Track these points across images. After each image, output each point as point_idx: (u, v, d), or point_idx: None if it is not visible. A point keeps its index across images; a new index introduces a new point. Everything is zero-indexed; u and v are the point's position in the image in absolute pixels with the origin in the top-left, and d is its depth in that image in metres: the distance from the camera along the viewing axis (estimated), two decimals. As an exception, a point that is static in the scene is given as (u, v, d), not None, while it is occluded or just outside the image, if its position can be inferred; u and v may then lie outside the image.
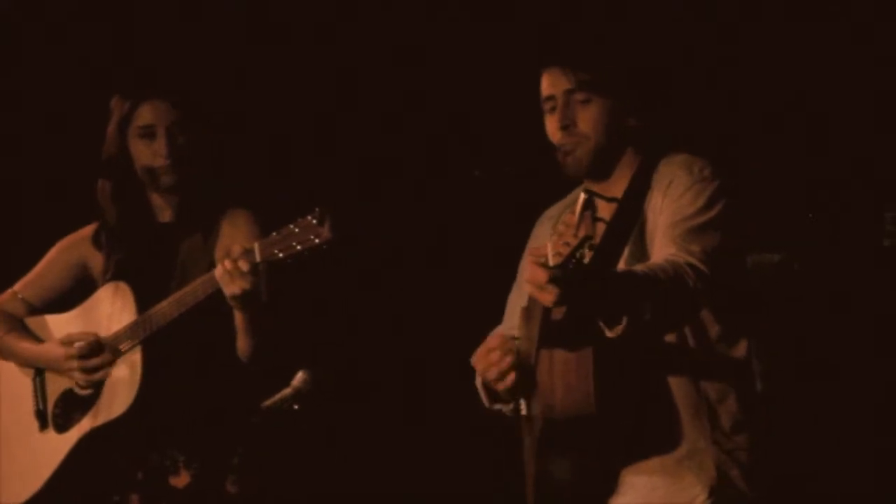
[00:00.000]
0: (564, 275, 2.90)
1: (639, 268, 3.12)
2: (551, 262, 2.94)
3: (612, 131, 3.38)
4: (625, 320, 3.01)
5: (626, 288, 3.01)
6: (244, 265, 3.64)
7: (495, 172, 3.61)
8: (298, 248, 3.58)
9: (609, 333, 3.05)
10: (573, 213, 2.97)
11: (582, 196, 2.97)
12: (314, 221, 3.56)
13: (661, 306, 3.04)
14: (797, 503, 3.49)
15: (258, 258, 3.64)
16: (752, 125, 4.51)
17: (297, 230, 3.58)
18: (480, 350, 3.41)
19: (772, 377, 3.41)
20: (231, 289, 3.66)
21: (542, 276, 2.92)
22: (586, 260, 2.96)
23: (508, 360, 3.30)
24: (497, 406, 3.49)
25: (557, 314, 3.16)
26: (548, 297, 2.95)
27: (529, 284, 2.98)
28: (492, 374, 3.33)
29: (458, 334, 3.81)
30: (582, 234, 2.91)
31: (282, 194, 4.51)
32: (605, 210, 3.35)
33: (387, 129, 4.95)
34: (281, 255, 3.60)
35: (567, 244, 2.91)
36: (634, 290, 3.02)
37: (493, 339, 3.42)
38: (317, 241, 3.56)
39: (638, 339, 3.10)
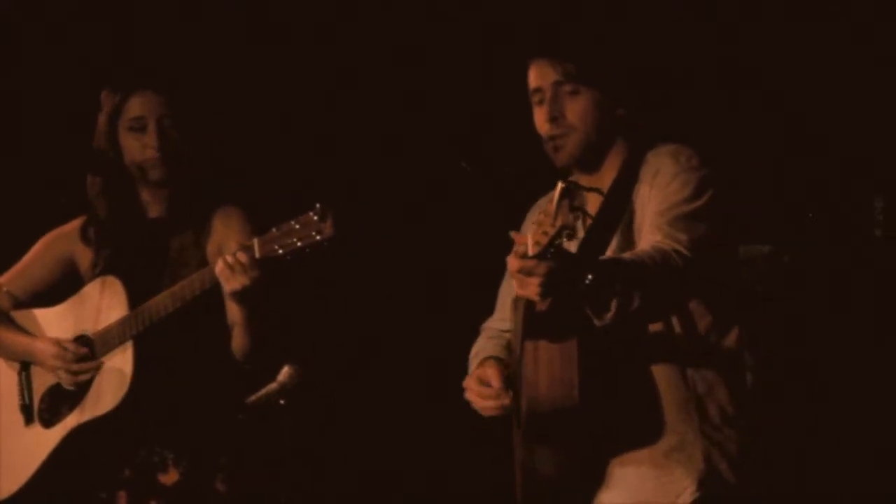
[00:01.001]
0: (543, 264, 2.90)
1: (626, 255, 3.12)
2: (531, 252, 2.92)
3: (600, 123, 3.36)
4: (614, 307, 3.00)
5: (613, 274, 3.00)
6: (244, 260, 3.61)
7: (481, 164, 3.60)
8: (299, 244, 3.55)
9: (598, 322, 3.04)
10: (552, 202, 2.95)
11: (559, 185, 2.95)
12: (316, 218, 3.53)
13: (649, 292, 3.03)
14: (786, 497, 3.46)
15: (257, 254, 3.61)
16: (743, 119, 4.50)
17: (297, 226, 3.55)
18: (473, 380, 3.43)
19: (762, 369, 3.38)
20: (231, 284, 3.64)
21: (518, 265, 2.92)
22: (566, 248, 2.95)
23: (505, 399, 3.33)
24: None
25: (541, 305, 3.14)
26: (531, 289, 2.95)
27: (512, 276, 2.98)
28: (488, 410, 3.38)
29: (454, 330, 3.80)
30: (559, 223, 2.88)
31: (280, 193, 4.50)
32: (591, 200, 3.34)
33: (386, 128, 4.94)
34: (280, 251, 3.58)
35: (545, 233, 2.89)
36: (622, 277, 3.00)
37: (486, 371, 3.42)
38: (318, 237, 3.53)
39: (625, 328, 3.09)
